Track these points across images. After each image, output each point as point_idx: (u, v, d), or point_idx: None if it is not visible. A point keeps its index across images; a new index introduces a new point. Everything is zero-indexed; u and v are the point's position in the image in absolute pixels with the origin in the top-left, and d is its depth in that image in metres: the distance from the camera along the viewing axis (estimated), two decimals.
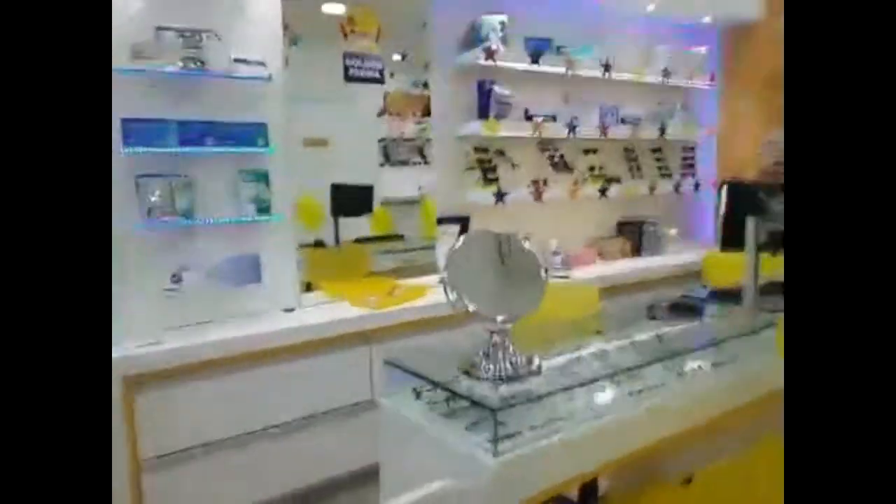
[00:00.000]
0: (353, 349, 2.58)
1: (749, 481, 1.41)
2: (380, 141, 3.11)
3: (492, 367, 1.41)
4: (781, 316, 1.87)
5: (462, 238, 1.47)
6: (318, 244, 2.95)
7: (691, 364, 1.65)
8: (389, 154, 3.19)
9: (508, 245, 1.48)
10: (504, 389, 1.36)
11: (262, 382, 2.34)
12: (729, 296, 2.08)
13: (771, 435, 1.31)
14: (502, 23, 3.19)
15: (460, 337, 2.81)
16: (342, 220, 3.07)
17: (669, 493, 1.58)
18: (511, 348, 1.44)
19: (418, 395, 1.53)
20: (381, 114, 3.06)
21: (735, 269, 2.69)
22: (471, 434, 1.30)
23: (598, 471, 1.37)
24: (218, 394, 2.25)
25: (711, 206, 4.39)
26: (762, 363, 1.67)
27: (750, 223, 1.87)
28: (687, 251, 3.97)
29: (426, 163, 3.23)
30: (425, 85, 3.15)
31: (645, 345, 1.75)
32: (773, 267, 2.23)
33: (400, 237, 3.43)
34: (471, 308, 1.40)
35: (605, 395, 1.48)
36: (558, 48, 3.49)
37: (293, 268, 2.72)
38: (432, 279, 3.13)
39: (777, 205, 1.91)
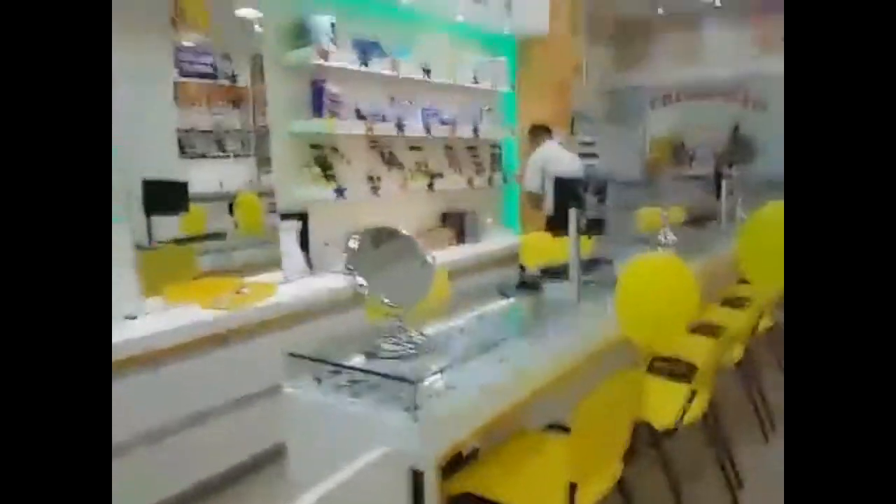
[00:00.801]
0: (211, 353, 2.53)
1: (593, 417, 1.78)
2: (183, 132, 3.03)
3: (395, 347, 1.59)
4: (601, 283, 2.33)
5: (360, 234, 1.62)
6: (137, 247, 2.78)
7: (541, 329, 2.00)
8: (185, 146, 3.10)
9: (399, 240, 1.66)
10: (410, 365, 1.55)
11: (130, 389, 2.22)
12: (555, 273, 2.50)
13: (611, 376, 1.69)
14: (332, 24, 3.30)
15: (320, 330, 2.92)
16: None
17: (533, 437, 1.91)
18: (409, 330, 1.63)
19: (319, 381, 1.65)
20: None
21: (547, 251, 3.19)
22: (385, 408, 1.46)
23: (487, 424, 1.63)
24: None
25: (516, 197, 5.00)
26: (594, 323, 2.10)
27: (572, 213, 2.29)
28: (500, 237, 4.49)
29: (226, 156, 3.23)
30: (233, 77, 3.14)
31: (503, 316, 2.07)
32: (588, 248, 2.72)
33: (221, 235, 3.37)
34: (384, 299, 1.56)
35: (481, 364, 1.74)
36: (382, 51, 3.69)
37: (131, 273, 2.56)
38: (275, 276, 3.16)
39: (590, 197, 2.36)
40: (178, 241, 3.12)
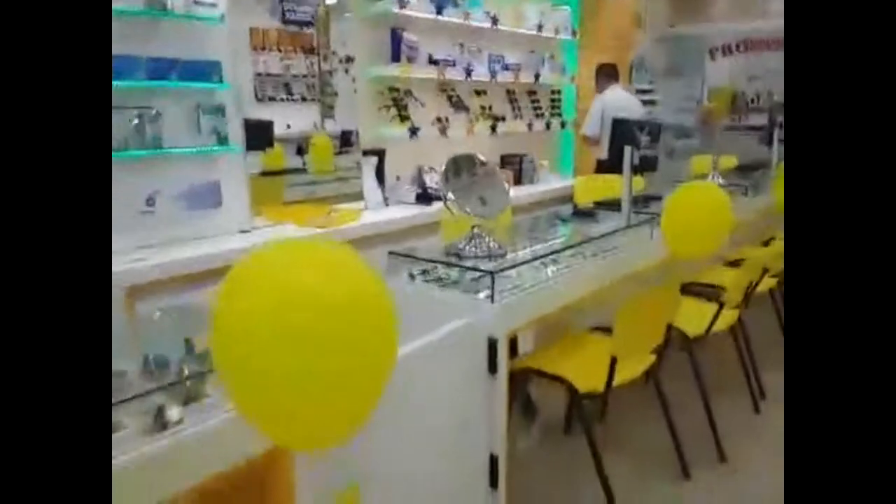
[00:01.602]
0: None
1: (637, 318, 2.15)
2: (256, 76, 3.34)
3: (475, 250, 2.00)
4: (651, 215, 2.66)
5: (448, 161, 2.01)
6: None
7: (596, 247, 2.37)
8: (257, 91, 3.38)
9: (482, 166, 2.04)
10: (488, 264, 1.95)
11: None
12: (608, 206, 2.83)
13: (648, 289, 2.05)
14: None
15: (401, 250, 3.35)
16: None
17: (580, 336, 2.31)
18: (487, 237, 2.03)
19: (412, 277, 2.08)
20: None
21: (599, 191, 3.51)
22: (468, 294, 1.88)
23: (544, 316, 2.02)
24: (202, 301, 2.58)
25: (571, 143, 5.27)
26: (638, 244, 2.45)
27: (627, 151, 2.60)
28: (554, 180, 4.80)
29: (293, 99, 3.54)
30: (308, 24, 3.43)
31: (560, 235, 2.44)
32: (639, 185, 3.04)
33: (301, 170, 3.78)
34: (467, 209, 1.95)
35: (547, 270, 2.13)
36: (455, 1, 3.98)
37: (246, 194, 3.03)
38: (354, 205, 3.59)
39: (644, 137, 2.67)
40: (264, 174, 3.55)
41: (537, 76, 4.63)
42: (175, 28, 2.60)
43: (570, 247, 2.39)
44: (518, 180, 4.70)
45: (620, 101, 4.70)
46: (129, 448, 1.05)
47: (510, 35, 4.39)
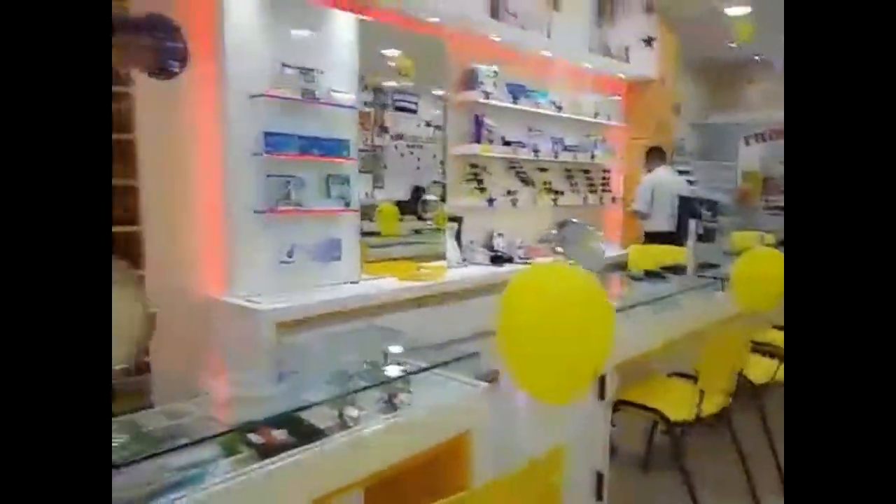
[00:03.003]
0: (412, 310, 3.44)
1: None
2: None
3: None
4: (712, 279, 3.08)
5: (559, 226, 2.48)
6: None
7: (668, 303, 2.79)
8: None
9: (579, 227, 2.52)
10: None
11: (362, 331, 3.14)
12: (673, 271, 3.27)
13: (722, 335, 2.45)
14: (495, 72, 4.23)
15: (484, 302, 3.79)
16: None
17: (661, 379, 2.69)
18: None
19: None
20: None
21: (653, 257, 3.95)
22: None
23: (631, 359, 2.42)
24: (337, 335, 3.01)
25: (620, 213, 5.77)
26: (706, 303, 2.86)
27: (692, 223, 3.07)
28: (608, 249, 5.26)
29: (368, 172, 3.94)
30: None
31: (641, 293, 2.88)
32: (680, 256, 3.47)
33: (376, 233, 4.24)
34: (571, 260, 2.41)
35: (630, 320, 2.54)
36: (526, 91, 4.59)
37: (357, 250, 3.52)
38: (439, 263, 4.05)
39: (705, 212, 3.14)
40: None
41: (592, 156, 5.18)
42: (317, 111, 3.18)
43: (645, 303, 2.81)
44: None
45: (668, 179, 5.21)
46: (372, 423, 1.45)
47: (570, 120, 4.98)
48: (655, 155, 5.30)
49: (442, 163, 4.05)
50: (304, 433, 1.36)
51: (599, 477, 2.23)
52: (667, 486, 2.70)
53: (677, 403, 2.37)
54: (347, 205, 3.34)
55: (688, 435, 2.59)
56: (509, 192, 4.53)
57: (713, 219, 3.17)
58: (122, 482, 1.05)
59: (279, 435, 1.35)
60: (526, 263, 4.40)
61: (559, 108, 4.77)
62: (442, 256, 4.09)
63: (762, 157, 7.30)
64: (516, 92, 4.41)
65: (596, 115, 5.17)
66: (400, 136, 4.07)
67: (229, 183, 2.92)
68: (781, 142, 7.14)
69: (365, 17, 3.41)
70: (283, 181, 3.04)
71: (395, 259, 4.15)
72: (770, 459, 2.74)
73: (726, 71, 7.24)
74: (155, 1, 2.75)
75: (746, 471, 2.60)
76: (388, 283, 3.51)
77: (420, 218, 4.08)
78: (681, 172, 5.92)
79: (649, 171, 5.27)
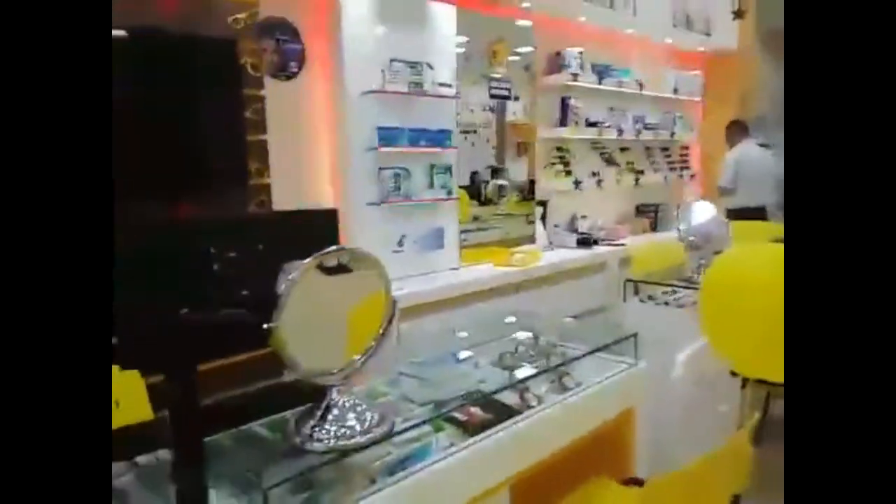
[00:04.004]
0: (511, 296, 3.52)
1: None
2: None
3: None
4: None
5: (685, 205, 2.51)
6: None
7: None
8: None
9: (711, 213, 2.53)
10: None
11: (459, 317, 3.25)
12: None
13: None
14: (580, 53, 4.23)
15: (579, 285, 3.85)
16: None
17: None
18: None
19: (642, 300, 2.56)
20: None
21: (756, 234, 3.90)
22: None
23: None
24: (443, 322, 3.12)
25: (698, 192, 5.68)
26: None
27: None
28: None
29: None
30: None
31: None
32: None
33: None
34: (698, 245, 2.43)
35: None
36: (610, 71, 4.57)
37: (457, 237, 3.61)
38: (532, 246, 4.11)
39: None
40: None
41: (672, 133, 5.12)
42: (422, 104, 3.26)
43: None
44: (654, 227, 5.15)
45: (754, 154, 5.10)
46: (550, 403, 1.54)
47: (651, 98, 4.93)
48: (737, 129, 5.17)
49: (494, 147, 4.06)
50: (499, 411, 1.47)
51: None
52: (779, 457, 2.73)
53: None
54: (449, 193, 3.43)
55: None
56: (594, 174, 4.54)
57: None
58: (359, 459, 1.17)
59: (477, 412, 1.45)
60: (612, 245, 4.40)
61: (641, 86, 4.72)
62: (524, 240, 4.15)
63: None
64: (601, 72, 4.40)
65: (676, 90, 5.09)
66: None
67: (346, 177, 3.05)
68: None
69: (463, 8, 3.47)
70: (394, 173, 3.15)
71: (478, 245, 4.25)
72: None
73: None
74: (277, 5, 2.88)
75: None
76: (485, 270, 3.60)
77: (482, 203, 4.10)
78: (762, 146, 5.78)
79: (731, 146, 5.16)
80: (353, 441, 1.11)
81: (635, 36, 4.76)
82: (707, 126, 5.68)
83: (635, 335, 1.78)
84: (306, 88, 3.00)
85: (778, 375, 1.54)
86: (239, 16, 2.64)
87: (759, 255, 1.53)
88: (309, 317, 1.10)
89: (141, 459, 1.06)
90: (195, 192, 2.16)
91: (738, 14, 4.26)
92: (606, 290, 3.95)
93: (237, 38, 2.57)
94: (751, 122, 5.34)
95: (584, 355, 1.72)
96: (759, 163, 5.03)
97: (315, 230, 1.20)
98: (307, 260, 1.09)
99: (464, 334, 2.25)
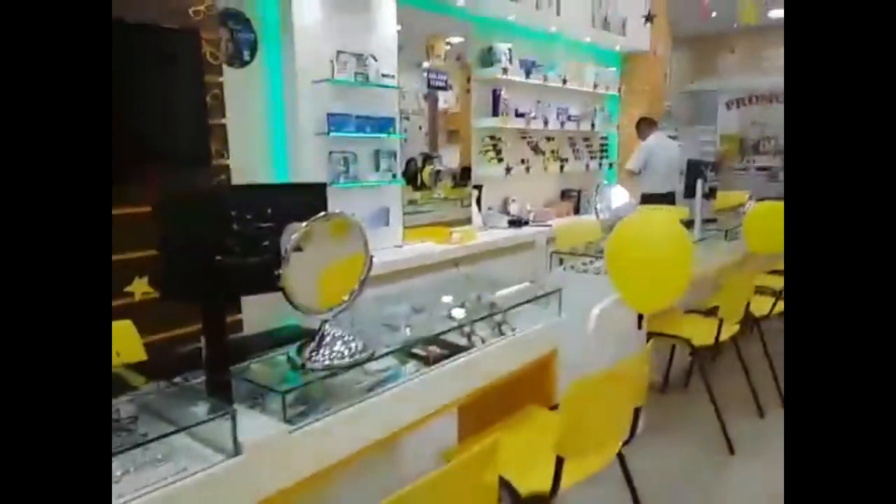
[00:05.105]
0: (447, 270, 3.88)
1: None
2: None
3: None
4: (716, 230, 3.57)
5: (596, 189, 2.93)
6: None
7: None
8: None
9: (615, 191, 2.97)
10: None
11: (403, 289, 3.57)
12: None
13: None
14: (510, 49, 4.61)
15: (512, 261, 4.25)
16: None
17: (685, 316, 3.19)
18: None
19: (564, 268, 2.98)
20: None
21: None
22: None
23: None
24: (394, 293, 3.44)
25: (615, 178, 6.24)
26: (714, 251, 3.36)
27: (699, 183, 3.55)
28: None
29: None
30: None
31: None
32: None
33: None
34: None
35: None
36: (536, 66, 4.98)
37: (401, 217, 3.92)
38: (468, 227, 4.48)
39: (709, 173, 3.62)
40: None
41: (593, 125, 5.63)
42: (368, 93, 3.54)
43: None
44: (577, 210, 5.65)
45: (662, 144, 5.69)
46: (491, 342, 1.90)
47: (573, 92, 5.40)
48: (646, 125, 5.75)
49: (427, 134, 4.39)
50: (449, 348, 1.81)
51: None
52: (682, 402, 3.26)
53: (699, 332, 2.88)
54: (394, 177, 3.73)
55: (706, 359, 3.12)
56: (523, 161, 4.95)
57: (716, 178, 3.65)
58: (339, 381, 1.47)
59: (433, 350, 1.79)
60: (540, 226, 4.84)
61: (564, 81, 5.17)
62: (459, 223, 4.52)
63: (741, 120, 7.85)
64: (528, 67, 4.80)
65: (595, 86, 5.59)
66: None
67: (297, 160, 3.29)
68: (758, 106, 7.69)
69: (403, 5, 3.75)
70: (343, 157, 3.42)
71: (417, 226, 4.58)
72: (770, 378, 3.29)
73: (710, 41, 7.72)
74: None
75: (752, 387, 3.14)
76: (427, 247, 3.93)
77: (417, 188, 4.35)
78: (669, 137, 6.40)
79: (643, 138, 5.73)
80: (342, 362, 1.42)
81: (560, 33, 5.20)
82: (623, 118, 6.24)
83: (559, 290, 2.17)
84: (260, 75, 3.21)
85: (662, 306, 2.00)
86: (198, 7, 2.82)
87: (650, 217, 1.97)
88: (307, 266, 1.40)
89: (177, 379, 1.34)
90: (166, 172, 2.36)
91: (649, 18, 4.76)
92: (535, 265, 4.37)
93: (199, 28, 2.76)
94: (660, 116, 5.94)
95: (516, 305, 2.09)
96: (669, 152, 5.62)
97: (308, 199, 1.48)
98: (305, 222, 1.39)
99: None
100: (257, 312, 2.21)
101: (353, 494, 1.46)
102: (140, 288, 2.51)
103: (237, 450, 1.16)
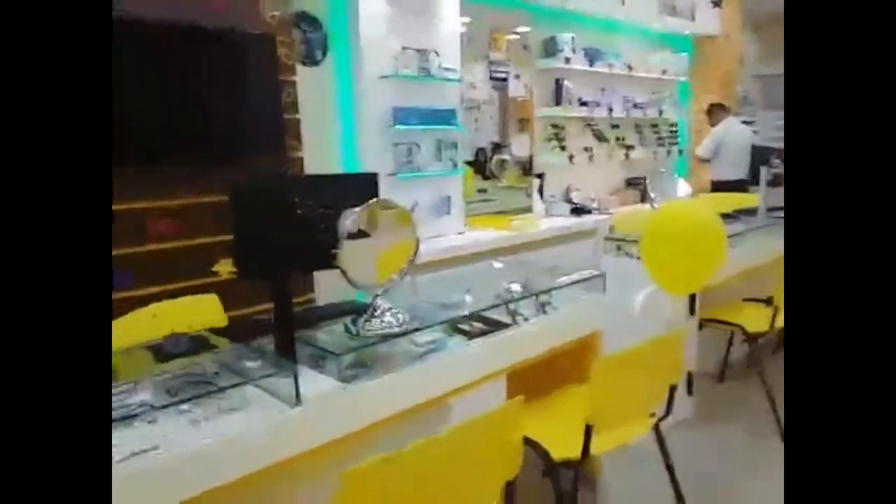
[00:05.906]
0: (508, 256, 4.01)
1: None
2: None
3: None
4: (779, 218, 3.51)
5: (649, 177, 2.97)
6: None
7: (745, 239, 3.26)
8: None
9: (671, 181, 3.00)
10: None
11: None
12: (746, 213, 3.71)
13: None
14: (573, 38, 4.65)
15: (571, 248, 4.33)
16: None
17: (741, 304, 3.18)
18: None
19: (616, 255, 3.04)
20: None
21: (722, 203, 4.37)
22: None
23: (713, 286, 2.92)
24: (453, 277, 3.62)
25: (685, 167, 6.13)
26: (776, 239, 3.32)
27: (763, 170, 3.49)
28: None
29: None
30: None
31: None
32: (750, 201, 3.89)
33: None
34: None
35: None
36: (601, 54, 4.99)
37: (462, 206, 4.09)
38: (530, 215, 4.59)
39: (775, 160, 3.56)
40: None
41: (660, 112, 5.56)
42: (430, 87, 3.71)
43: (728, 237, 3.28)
44: (643, 199, 5.61)
45: (735, 130, 5.54)
46: (533, 320, 2.03)
47: (640, 79, 5.36)
48: (717, 110, 5.61)
49: (497, 124, 4.49)
50: (493, 325, 1.96)
51: (690, 376, 2.77)
52: (737, 392, 3.26)
53: (754, 320, 2.88)
54: (455, 167, 3.90)
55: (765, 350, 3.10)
56: (586, 149, 4.99)
57: (781, 165, 3.58)
58: (390, 349, 1.66)
59: (477, 325, 1.95)
60: (603, 214, 4.87)
61: (630, 68, 5.15)
62: (524, 210, 4.63)
63: None
64: (592, 55, 4.82)
65: (664, 72, 5.51)
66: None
67: (366, 151, 3.52)
68: None
69: None
70: (407, 148, 3.62)
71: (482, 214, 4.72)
72: None
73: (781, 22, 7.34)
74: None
75: None
76: (488, 234, 4.08)
77: (486, 178, 4.52)
78: (746, 123, 6.21)
79: (713, 124, 5.60)
80: (392, 331, 1.61)
81: (625, 21, 5.17)
82: (695, 104, 6.11)
83: (603, 274, 2.27)
84: (330, 73, 3.45)
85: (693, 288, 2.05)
86: (274, 13, 3.08)
87: (682, 204, 2.04)
88: (361, 247, 1.59)
89: (254, 343, 1.58)
90: (245, 162, 2.63)
91: (717, 3, 4.65)
92: (594, 253, 4.43)
93: (275, 32, 3.02)
94: (732, 102, 5.77)
95: (560, 287, 2.21)
96: (741, 138, 5.48)
97: (362, 188, 1.68)
98: (359, 207, 1.58)
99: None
100: (329, 289, 2.45)
101: (399, 445, 1.65)
102: (225, 268, 2.81)
103: (298, 401, 1.37)
